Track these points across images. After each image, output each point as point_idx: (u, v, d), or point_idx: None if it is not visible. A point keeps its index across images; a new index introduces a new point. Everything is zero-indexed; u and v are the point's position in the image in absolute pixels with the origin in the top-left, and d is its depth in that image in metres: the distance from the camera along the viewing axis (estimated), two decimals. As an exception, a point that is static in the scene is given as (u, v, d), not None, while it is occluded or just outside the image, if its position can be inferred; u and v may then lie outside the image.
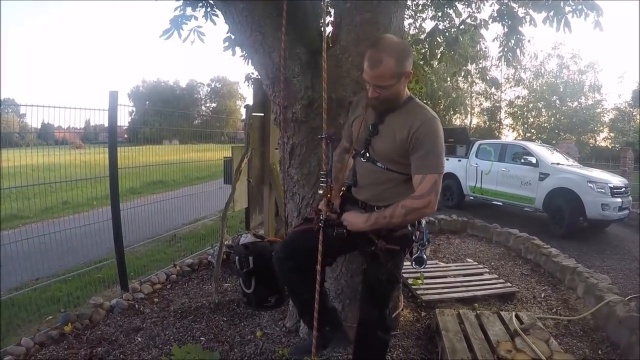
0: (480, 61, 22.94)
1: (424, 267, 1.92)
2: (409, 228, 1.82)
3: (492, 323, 2.87)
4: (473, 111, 30.12)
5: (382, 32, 2.43)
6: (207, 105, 59.91)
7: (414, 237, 1.84)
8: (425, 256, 1.86)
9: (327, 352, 2.51)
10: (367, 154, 1.87)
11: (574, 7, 3.73)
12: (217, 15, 3.82)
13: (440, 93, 24.58)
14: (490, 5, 4.76)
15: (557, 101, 25.16)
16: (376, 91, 1.72)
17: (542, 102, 25.69)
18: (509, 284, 3.94)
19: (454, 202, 9.75)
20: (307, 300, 1.90)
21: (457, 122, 27.89)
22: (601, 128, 25.38)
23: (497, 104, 29.04)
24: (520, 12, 4.37)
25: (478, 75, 26.26)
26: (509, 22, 4.43)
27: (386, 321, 2.05)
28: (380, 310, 2.01)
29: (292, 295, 2.20)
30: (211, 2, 3.65)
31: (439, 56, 5.14)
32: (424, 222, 1.89)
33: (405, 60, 1.69)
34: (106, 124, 3.61)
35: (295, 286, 2.06)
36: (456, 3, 5.08)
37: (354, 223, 1.82)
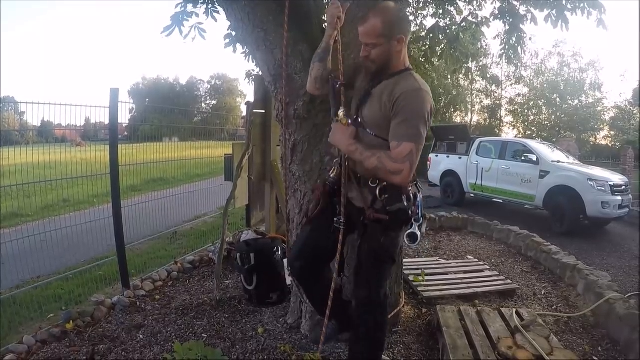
0: (481, 59, 22.92)
1: (417, 244, 1.90)
2: (405, 203, 1.81)
3: (493, 320, 2.88)
4: (473, 109, 30.04)
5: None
6: (207, 102, 59.73)
7: (409, 212, 1.82)
8: (419, 233, 1.85)
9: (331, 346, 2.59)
10: (359, 120, 1.90)
11: (574, 5, 3.73)
12: (218, 12, 3.82)
13: (440, 90, 24.52)
14: (492, 3, 4.76)
15: (558, 99, 25.11)
16: (366, 50, 1.80)
17: (542, 100, 25.66)
18: (509, 281, 3.94)
19: (455, 200, 9.76)
20: (325, 298, 1.95)
21: (458, 120, 27.84)
22: (602, 126, 25.35)
23: (498, 102, 28.98)
24: (522, 10, 4.36)
25: (479, 73, 26.19)
26: (510, 20, 4.43)
27: (380, 301, 1.98)
28: (372, 289, 1.95)
29: (311, 297, 2.21)
30: (213, -1, 3.65)
31: (439, 54, 5.14)
32: (420, 196, 1.90)
33: (394, 23, 1.76)
34: (106, 122, 3.61)
35: (315, 288, 2.09)
36: (457, 0, 5.07)
37: (338, 139, 1.87)
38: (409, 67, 1.88)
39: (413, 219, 1.85)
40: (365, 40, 1.79)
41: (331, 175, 2.02)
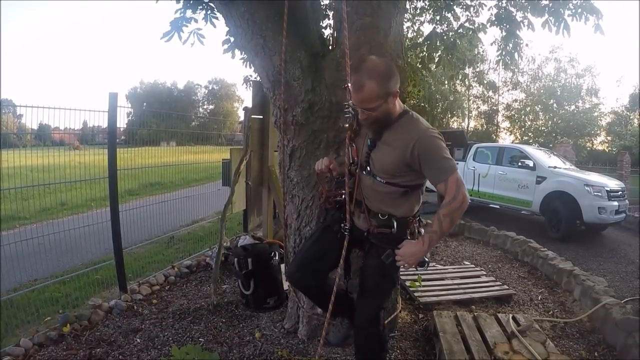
0: (478, 65, 23.06)
1: (425, 268, 1.95)
2: (408, 237, 1.89)
3: (490, 325, 2.89)
4: (470, 114, 30.23)
5: (382, 36, 2.46)
6: (205, 107, 59.80)
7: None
8: (427, 259, 1.90)
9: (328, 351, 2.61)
10: (368, 168, 1.92)
11: (573, 11, 3.76)
12: (217, 18, 3.83)
13: (437, 96, 24.65)
14: (489, 10, 4.80)
15: (555, 104, 25.30)
16: (365, 113, 1.77)
17: (539, 106, 25.84)
18: (506, 287, 3.96)
19: (452, 205, 9.75)
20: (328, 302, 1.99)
21: (455, 125, 27.98)
22: (598, 131, 25.54)
23: (495, 107, 29.18)
24: (519, 16, 4.40)
25: (476, 79, 26.36)
26: (507, 26, 4.47)
27: (379, 320, 2.07)
28: (374, 307, 2.04)
29: (316, 302, 2.35)
30: (212, 4, 3.67)
31: (436, 60, 5.18)
32: (422, 231, 1.95)
33: (388, 81, 1.72)
34: (104, 125, 3.61)
35: (320, 296, 2.16)
36: (454, 7, 5.11)
37: (414, 254, 1.80)
38: (405, 109, 1.88)
39: None
40: (363, 106, 1.74)
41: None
